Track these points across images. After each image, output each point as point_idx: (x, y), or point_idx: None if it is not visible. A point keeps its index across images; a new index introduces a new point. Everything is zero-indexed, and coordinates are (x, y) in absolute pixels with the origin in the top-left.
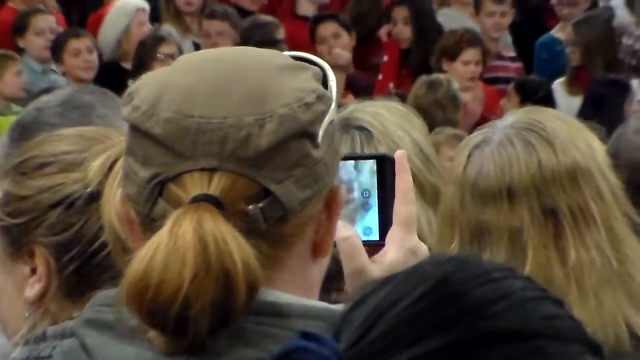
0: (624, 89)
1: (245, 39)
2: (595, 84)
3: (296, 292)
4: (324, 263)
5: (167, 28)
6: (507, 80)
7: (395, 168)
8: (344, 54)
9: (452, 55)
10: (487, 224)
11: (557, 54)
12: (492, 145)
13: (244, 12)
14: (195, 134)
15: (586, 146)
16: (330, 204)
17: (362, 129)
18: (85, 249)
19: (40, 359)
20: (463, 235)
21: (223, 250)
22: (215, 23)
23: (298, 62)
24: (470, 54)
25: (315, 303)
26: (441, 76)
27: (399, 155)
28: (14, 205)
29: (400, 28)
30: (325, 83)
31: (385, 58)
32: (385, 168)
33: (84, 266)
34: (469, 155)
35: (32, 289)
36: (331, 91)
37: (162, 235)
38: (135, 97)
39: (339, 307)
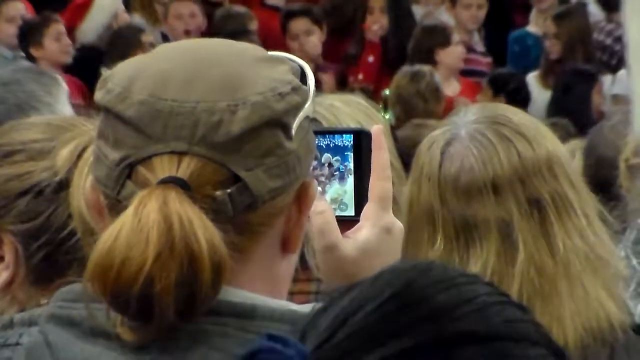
0: (591, 79)
1: (218, 29)
2: (563, 74)
3: (264, 286)
4: (293, 259)
5: (137, 19)
6: (481, 74)
7: (372, 144)
8: (316, 46)
9: (444, 41)
10: (474, 218)
11: (528, 47)
12: (465, 141)
13: (211, 4)
14: (167, 116)
15: (551, 137)
16: (302, 199)
17: (314, 120)
18: (53, 237)
19: (7, 347)
20: (447, 231)
21: (188, 230)
22: (187, 4)
23: (276, 56)
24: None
25: (280, 304)
26: (424, 67)
27: (375, 130)
28: None
29: (377, 16)
30: (303, 81)
31: (371, 59)
32: (362, 143)
33: (52, 254)
34: (442, 153)
35: (0, 277)
36: (309, 89)
37: (127, 215)
38: (109, 82)
39: (303, 309)
